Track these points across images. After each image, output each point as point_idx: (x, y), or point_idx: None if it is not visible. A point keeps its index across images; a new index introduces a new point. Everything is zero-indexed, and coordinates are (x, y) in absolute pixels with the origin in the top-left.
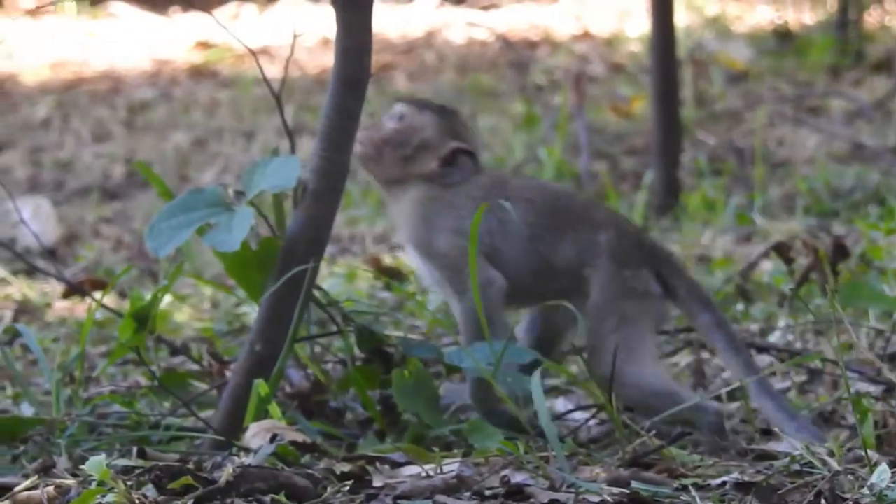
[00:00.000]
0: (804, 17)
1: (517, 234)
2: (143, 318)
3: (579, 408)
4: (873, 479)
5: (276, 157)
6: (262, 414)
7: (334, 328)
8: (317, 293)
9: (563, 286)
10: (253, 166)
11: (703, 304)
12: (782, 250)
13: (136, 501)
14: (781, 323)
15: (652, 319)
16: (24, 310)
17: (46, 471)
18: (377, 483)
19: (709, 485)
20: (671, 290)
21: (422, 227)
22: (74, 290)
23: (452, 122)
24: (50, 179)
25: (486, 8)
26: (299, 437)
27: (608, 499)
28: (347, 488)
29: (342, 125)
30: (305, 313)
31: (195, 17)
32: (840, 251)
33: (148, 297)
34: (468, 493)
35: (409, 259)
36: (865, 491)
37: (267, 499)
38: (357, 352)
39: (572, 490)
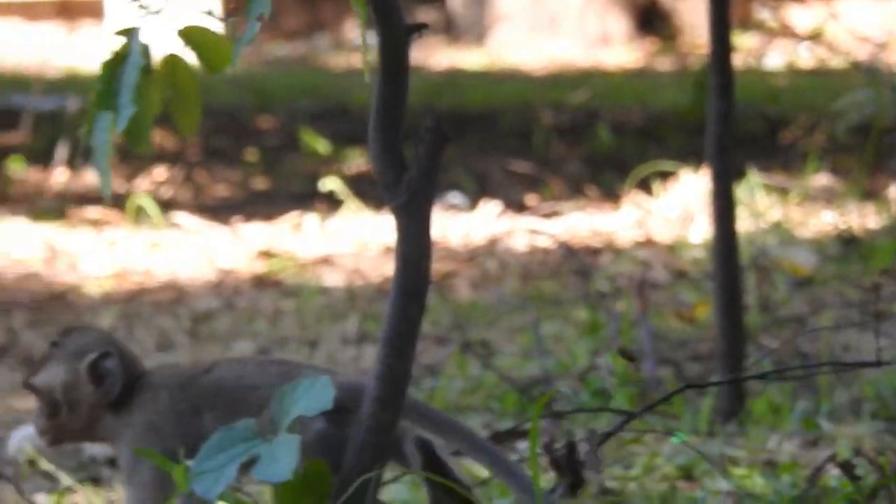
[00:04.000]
0: (868, 222)
1: None
2: None
3: None
4: None
5: (305, 381)
6: None
7: None
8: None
9: None
10: (282, 393)
11: None
12: (846, 469)
13: None
14: None
15: None
16: None
17: None
18: None
19: None
20: None
21: None
22: None
23: (75, 342)
24: None
25: (547, 216)
26: None
27: None
28: None
29: (404, 332)
30: None
31: (257, 227)
32: None
33: None
34: None
35: None
36: None
37: None
38: None
39: None
